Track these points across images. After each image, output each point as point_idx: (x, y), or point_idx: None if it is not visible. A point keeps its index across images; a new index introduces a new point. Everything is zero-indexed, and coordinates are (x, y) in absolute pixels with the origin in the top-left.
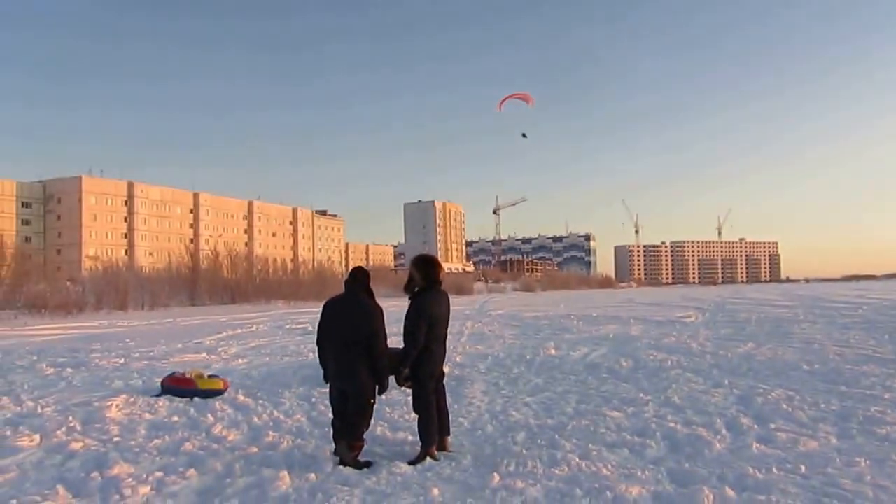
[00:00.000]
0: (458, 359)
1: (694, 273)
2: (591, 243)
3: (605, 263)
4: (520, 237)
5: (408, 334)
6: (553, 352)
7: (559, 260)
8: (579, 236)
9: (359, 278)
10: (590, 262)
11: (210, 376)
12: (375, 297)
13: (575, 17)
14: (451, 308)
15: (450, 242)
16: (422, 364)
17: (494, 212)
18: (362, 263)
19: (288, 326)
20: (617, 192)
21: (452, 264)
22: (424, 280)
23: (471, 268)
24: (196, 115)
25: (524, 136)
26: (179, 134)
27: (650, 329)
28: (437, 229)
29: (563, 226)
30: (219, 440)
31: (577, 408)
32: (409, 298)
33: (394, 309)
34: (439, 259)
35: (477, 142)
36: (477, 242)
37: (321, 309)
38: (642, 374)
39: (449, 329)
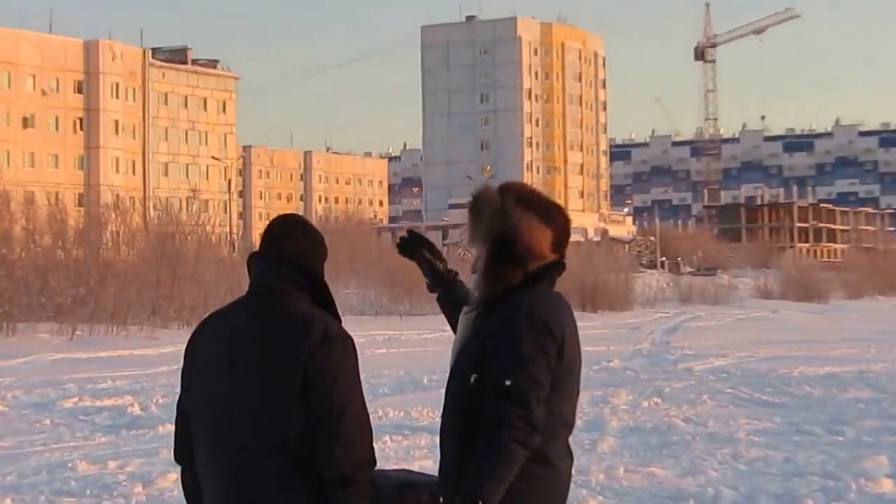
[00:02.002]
0: None
1: None
2: None
3: None
4: (776, 133)
5: (499, 418)
6: None
7: None
8: None
9: (288, 254)
10: None
11: None
12: (337, 309)
13: None
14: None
15: (561, 150)
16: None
17: (700, 54)
18: (297, 210)
19: (65, 405)
20: None
21: (578, 216)
22: (531, 257)
23: (625, 225)
24: None
25: None
26: None
27: None
28: (525, 113)
29: None
30: None
31: None
32: (482, 307)
33: (407, 351)
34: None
35: None
36: (640, 146)
37: (184, 350)
38: None
39: None
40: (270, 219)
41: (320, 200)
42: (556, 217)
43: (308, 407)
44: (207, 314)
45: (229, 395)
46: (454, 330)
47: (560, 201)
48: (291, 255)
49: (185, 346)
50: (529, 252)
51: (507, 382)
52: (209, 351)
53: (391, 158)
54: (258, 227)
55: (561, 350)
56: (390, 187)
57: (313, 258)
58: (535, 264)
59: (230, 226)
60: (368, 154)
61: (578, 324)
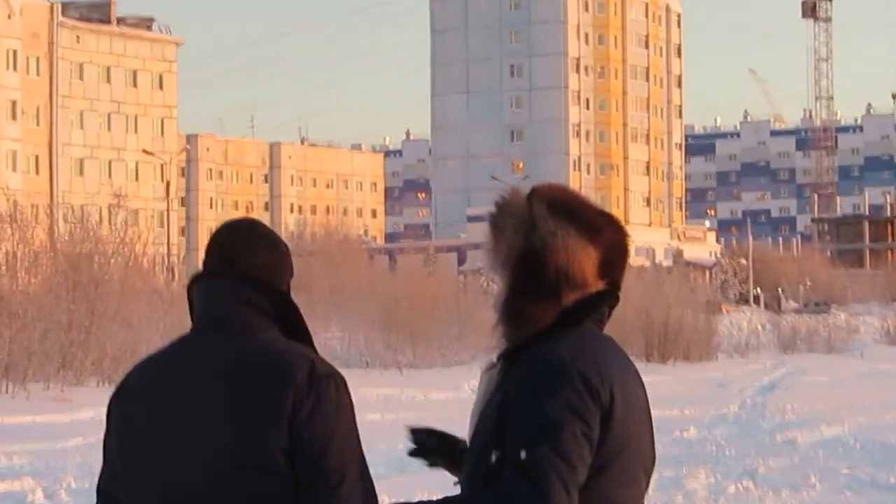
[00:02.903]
0: None
1: None
2: None
3: None
4: None
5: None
6: None
7: None
8: None
9: (246, 271)
10: None
11: None
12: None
13: None
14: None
15: (620, 141)
16: None
17: (811, 9)
18: (262, 217)
19: None
20: None
21: (642, 230)
22: (567, 286)
23: (706, 243)
24: None
25: None
26: None
27: None
28: (570, 91)
29: None
30: None
31: None
32: (503, 359)
33: (409, 417)
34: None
35: None
36: (727, 136)
37: (107, 411)
38: None
39: None
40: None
41: (292, 210)
42: (604, 230)
43: (295, 475)
44: (138, 362)
45: (186, 466)
46: None
47: (618, 212)
48: (251, 271)
49: (106, 407)
50: (565, 278)
51: (522, 455)
52: (148, 408)
53: (389, 153)
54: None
55: (610, 415)
56: (387, 192)
57: (279, 274)
58: (573, 296)
59: (168, 245)
60: (357, 147)
61: (643, 379)
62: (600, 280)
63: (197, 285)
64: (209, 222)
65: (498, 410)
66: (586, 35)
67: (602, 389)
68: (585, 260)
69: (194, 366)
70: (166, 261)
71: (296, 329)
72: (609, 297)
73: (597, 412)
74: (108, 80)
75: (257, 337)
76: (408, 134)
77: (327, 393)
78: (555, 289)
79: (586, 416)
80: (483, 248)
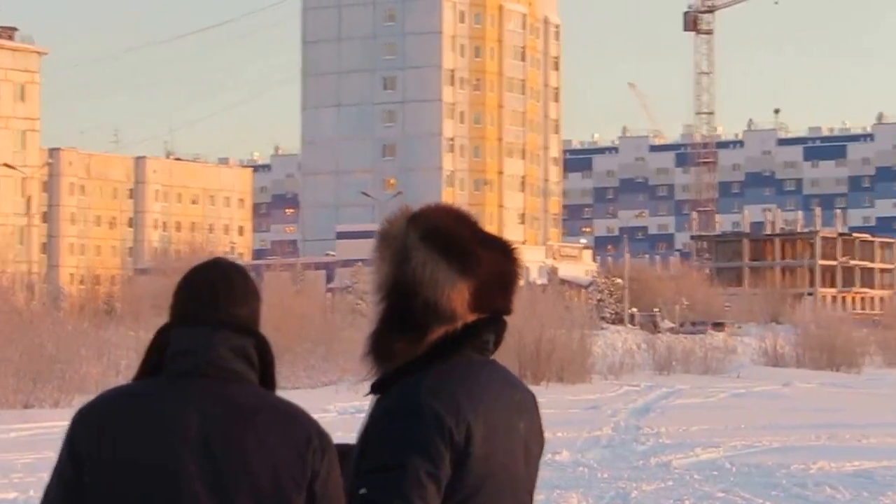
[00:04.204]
0: None
1: None
2: None
3: None
4: (794, 133)
5: None
6: None
7: None
8: None
9: (241, 322)
10: None
11: None
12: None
13: None
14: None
15: (495, 156)
16: None
17: (692, 23)
18: (124, 240)
19: None
20: None
21: (520, 243)
22: (434, 320)
23: (582, 261)
24: None
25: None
26: None
27: None
28: (445, 104)
29: None
30: None
31: None
32: (376, 391)
33: None
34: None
35: None
36: (605, 151)
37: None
38: None
39: None
40: (188, 266)
41: (156, 226)
42: (481, 261)
43: None
44: (101, 393)
45: None
46: None
47: (492, 228)
48: (244, 322)
49: (68, 434)
50: (433, 312)
51: (362, 491)
52: (149, 441)
53: (257, 168)
54: (68, 265)
55: (466, 454)
56: (255, 208)
57: (259, 324)
58: (440, 330)
59: (30, 262)
60: (225, 161)
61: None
62: (473, 312)
63: (187, 327)
64: (70, 239)
65: (361, 440)
66: (462, 47)
67: (456, 430)
68: (455, 294)
69: (191, 415)
70: (26, 280)
71: (269, 381)
72: (485, 327)
73: (447, 453)
74: None
75: (257, 391)
76: (276, 148)
77: (334, 457)
78: (423, 322)
79: (434, 457)
80: (358, 268)
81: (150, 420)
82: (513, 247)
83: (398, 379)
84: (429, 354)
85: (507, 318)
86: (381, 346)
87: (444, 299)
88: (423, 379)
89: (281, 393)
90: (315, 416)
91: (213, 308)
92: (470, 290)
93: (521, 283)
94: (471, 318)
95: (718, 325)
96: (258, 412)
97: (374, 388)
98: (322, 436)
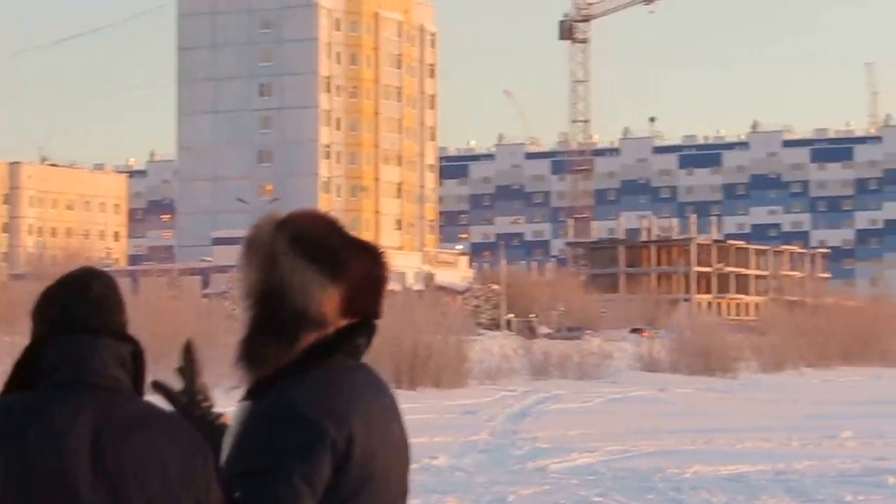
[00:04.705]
0: None
1: None
2: None
3: None
4: (669, 142)
5: None
6: None
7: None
8: None
9: (118, 329)
10: None
11: None
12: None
13: None
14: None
15: (371, 162)
16: None
17: (567, 32)
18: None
19: None
20: None
21: (393, 254)
22: (304, 326)
23: (458, 268)
24: None
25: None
26: None
27: None
28: (321, 111)
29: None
30: None
31: None
32: (252, 396)
33: None
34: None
35: None
36: (482, 158)
37: None
38: None
39: None
40: (64, 271)
41: (31, 232)
42: (350, 266)
43: None
44: None
45: None
46: None
47: (368, 235)
48: (122, 329)
49: None
50: (303, 318)
51: (237, 494)
52: (40, 453)
53: (132, 173)
54: None
55: (347, 457)
56: (131, 213)
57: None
58: (312, 335)
59: None
60: (100, 167)
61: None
62: (344, 317)
63: (64, 336)
64: None
65: (237, 444)
66: (338, 54)
67: (338, 435)
68: (325, 300)
69: (80, 428)
70: None
71: (139, 386)
72: (357, 332)
73: (325, 457)
74: None
75: (141, 401)
76: (152, 154)
77: (216, 460)
78: (293, 328)
79: (311, 462)
80: (233, 275)
81: (40, 432)
82: (381, 251)
83: (274, 384)
84: (303, 359)
85: (378, 322)
86: (252, 351)
87: (314, 305)
88: (300, 384)
89: (156, 398)
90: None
91: (91, 316)
92: (340, 295)
93: (398, 288)
94: (341, 322)
95: (636, 331)
96: (146, 421)
97: (250, 394)
98: (205, 443)
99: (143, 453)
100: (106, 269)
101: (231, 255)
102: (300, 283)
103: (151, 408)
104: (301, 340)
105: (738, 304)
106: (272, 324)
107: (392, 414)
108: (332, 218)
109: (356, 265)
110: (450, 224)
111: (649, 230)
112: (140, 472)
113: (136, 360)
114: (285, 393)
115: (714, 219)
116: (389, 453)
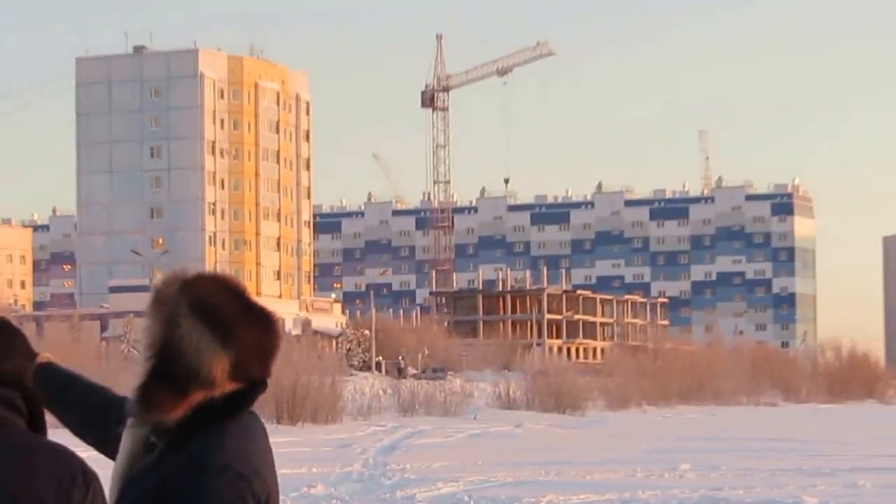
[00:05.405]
0: None
1: None
2: (802, 226)
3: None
4: (522, 201)
5: None
6: None
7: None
8: (760, 197)
9: (6, 375)
10: (794, 302)
11: None
12: None
13: None
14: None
15: (252, 219)
16: None
17: (429, 100)
18: None
19: None
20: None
21: (273, 302)
22: (195, 385)
23: (332, 314)
24: None
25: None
26: None
27: None
28: (207, 172)
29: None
30: None
31: None
32: (162, 442)
33: None
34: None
35: None
36: (353, 215)
37: None
38: None
39: None
40: None
41: None
42: (240, 335)
43: None
44: None
45: None
46: (68, 424)
47: (250, 285)
48: (9, 375)
49: None
50: (195, 378)
51: None
52: None
53: (37, 227)
54: None
55: None
56: (35, 264)
57: (27, 369)
58: (200, 393)
59: None
60: (7, 222)
61: (272, 440)
62: (233, 381)
63: None
64: None
65: (155, 492)
66: (222, 120)
67: (261, 490)
68: (215, 364)
69: None
70: None
71: (39, 424)
72: (242, 397)
73: None
74: None
75: (20, 433)
76: (54, 210)
77: (100, 495)
78: (184, 384)
79: None
80: (129, 319)
81: None
82: (272, 319)
83: (190, 436)
84: (218, 409)
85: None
86: (147, 397)
87: (205, 368)
88: (224, 439)
89: (55, 433)
90: (84, 454)
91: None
92: (230, 360)
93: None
94: (229, 386)
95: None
96: (25, 453)
97: (170, 435)
98: (86, 472)
99: (21, 484)
100: (13, 314)
101: (126, 302)
102: (196, 346)
103: (33, 440)
104: (191, 395)
105: (585, 349)
106: (167, 376)
107: (272, 456)
108: (235, 283)
109: (247, 333)
110: (324, 275)
111: (505, 281)
112: (16, 502)
113: (31, 403)
114: (214, 449)
115: (563, 271)
116: (277, 496)
